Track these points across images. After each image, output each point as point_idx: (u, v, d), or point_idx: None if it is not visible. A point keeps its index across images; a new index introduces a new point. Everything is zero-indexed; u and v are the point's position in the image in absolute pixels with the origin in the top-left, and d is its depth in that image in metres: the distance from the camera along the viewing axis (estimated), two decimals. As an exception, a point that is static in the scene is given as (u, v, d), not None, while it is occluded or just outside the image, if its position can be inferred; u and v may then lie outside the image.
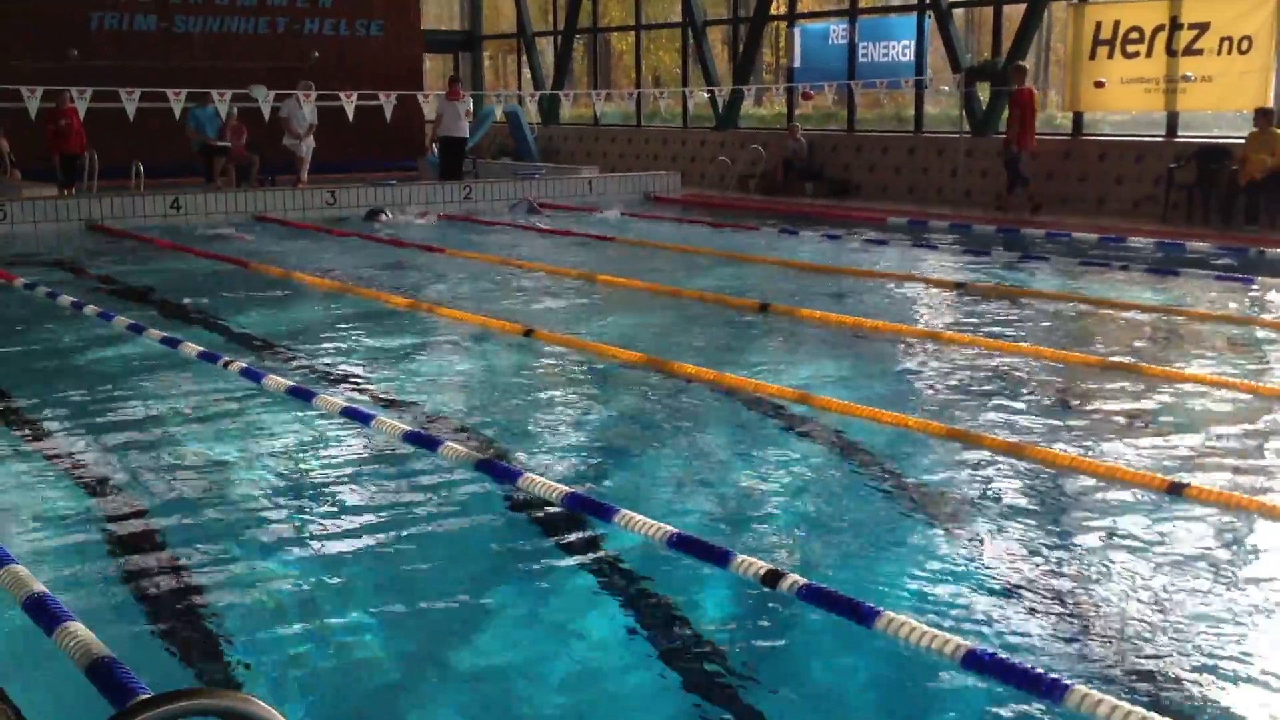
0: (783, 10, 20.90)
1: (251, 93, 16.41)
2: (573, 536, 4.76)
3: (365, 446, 5.87)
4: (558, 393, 7.07)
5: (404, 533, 4.81)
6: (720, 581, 4.23)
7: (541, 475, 5.15)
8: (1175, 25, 15.42)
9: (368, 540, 4.73)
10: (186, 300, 10.05)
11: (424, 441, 5.68)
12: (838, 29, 19.85)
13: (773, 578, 4.02)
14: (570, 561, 4.56)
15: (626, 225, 15.08)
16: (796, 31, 20.66)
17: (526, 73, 25.98)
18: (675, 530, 4.42)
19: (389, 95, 16.48)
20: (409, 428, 5.90)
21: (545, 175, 19.21)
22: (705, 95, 20.92)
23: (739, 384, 6.94)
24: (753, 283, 11.01)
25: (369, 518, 4.97)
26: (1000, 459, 5.60)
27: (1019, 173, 15.75)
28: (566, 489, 4.90)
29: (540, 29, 25.75)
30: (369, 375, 7.42)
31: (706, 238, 14.07)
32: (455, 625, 4.04)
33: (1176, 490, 5.00)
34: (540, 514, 4.94)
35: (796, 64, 20.55)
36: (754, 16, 20.95)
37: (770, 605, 4.08)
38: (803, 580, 3.97)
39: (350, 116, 16.70)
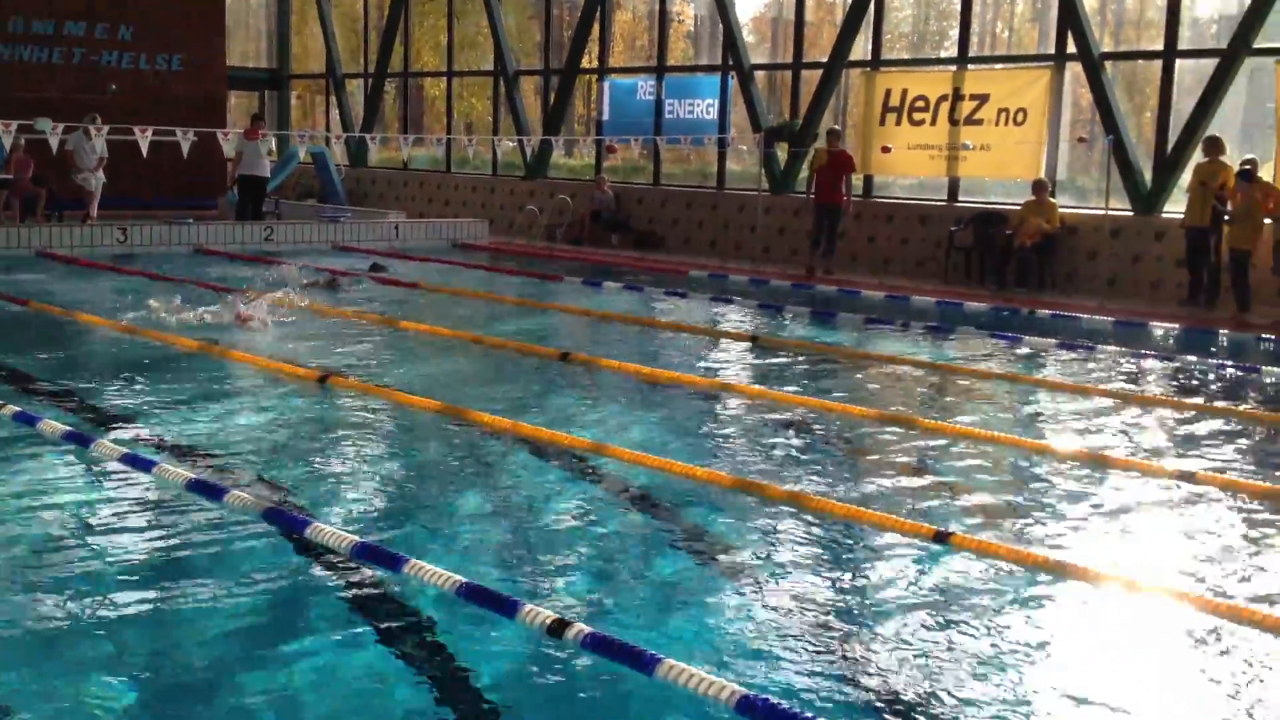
0: (594, 64, 21.28)
1: (37, 125, 15.77)
2: (361, 586, 4.75)
3: (146, 495, 5.72)
4: (352, 441, 7.02)
5: (186, 584, 4.71)
6: (508, 631, 4.29)
7: (331, 524, 5.13)
8: (958, 96, 16.36)
9: (147, 592, 4.62)
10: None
11: (209, 490, 5.57)
12: (645, 85, 20.33)
13: (559, 627, 4.10)
14: (357, 612, 4.55)
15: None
16: (606, 85, 21.06)
17: (335, 114, 25.69)
18: (463, 580, 4.45)
19: (186, 132, 16.06)
20: (192, 475, 5.77)
21: (351, 219, 19.00)
22: (515, 144, 21.09)
23: (535, 433, 7.03)
24: (555, 332, 11.16)
25: (149, 569, 4.85)
26: (782, 508, 5.83)
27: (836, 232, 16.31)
28: (355, 538, 4.89)
29: (350, 71, 25.54)
30: (154, 421, 7.21)
31: (511, 286, 14.17)
32: (237, 678, 3.99)
33: (942, 539, 5.31)
34: (329, 564, 4.92)
35: (605, 117, 20.95)
36: (565, 69, 21.27)
37: (557, 654, 4.15)
38: (587, 629, 4.05)
39: (144, 152, 16.19)
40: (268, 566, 4.94)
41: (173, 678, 4.00)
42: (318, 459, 6.60)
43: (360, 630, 4.39)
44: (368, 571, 4.82)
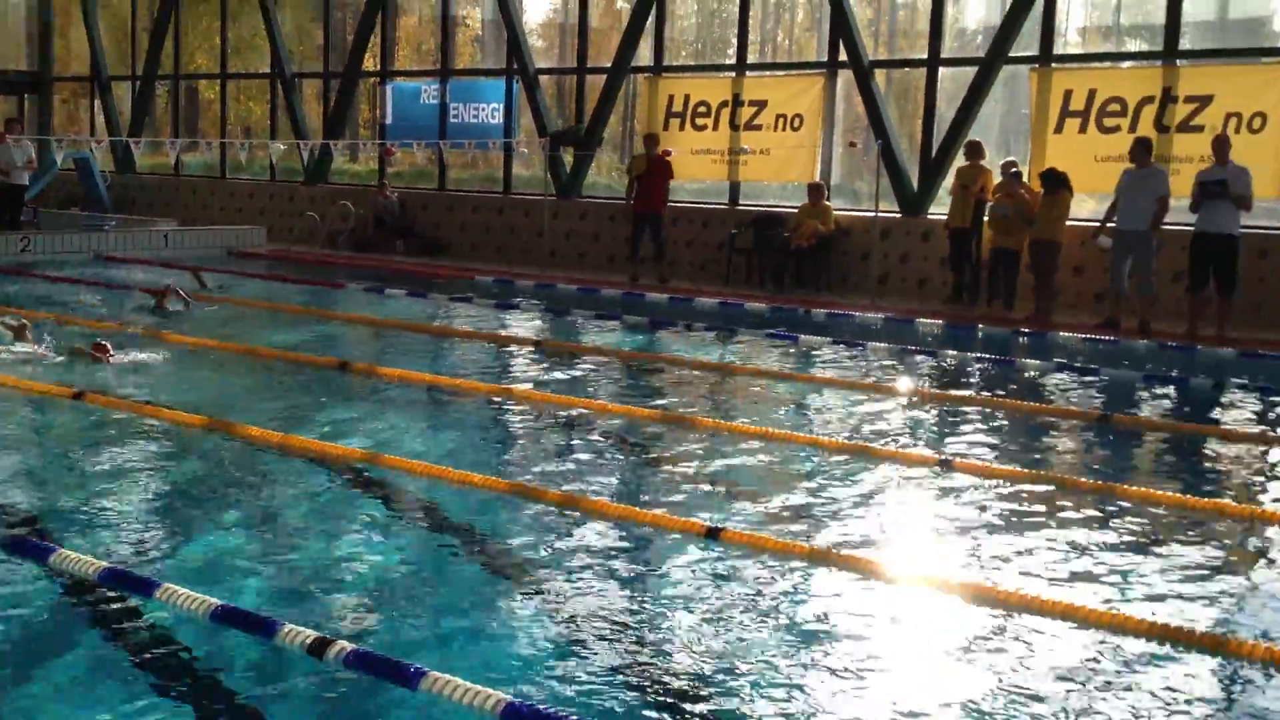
0: (377, 67, 20.91)
1: None
2: (112, 615, 4.52)
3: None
4: (109, 461, 6.68)
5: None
6: (270, 653, 4.16)
7: (84, 551, 4.87)
8: (738, 102, 16.72)
9: None
10: None
11: (-55, 519, 5.22)
12: (430, 89, 20.10)
13: (320, 646, 4.00)
14: (108, 640, 4.33)
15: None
16: (389, 89, 20.73)
17: (102, 118, 24.52)
18: (219, 603, 4.30)
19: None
20: (-72, 505, 5.40)
21: (116, 227, 18.14)
22: (296, 149, 20.53)
23: (308, 445, 6.84)
24: (335, 341, 10.91)
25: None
26: (559, 512, 5.82)
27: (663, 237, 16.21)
28: (103, 564, 4.65)
29: (118, 73, 24.42)
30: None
31: (291, 294, 13.79)
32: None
33: (713, 535, 5.40)
34: (77, 591, 4.66)
35: (388, 121, 20.62)
36: (345, 71, 20.83)
37: (322, 673, 4.05)
38: (350, 646, 3.97)
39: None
40: (11, 597, 4.65)
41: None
42: (69, 481, 6.26)
43: (113, 659, 4.18)
44: (120, 598, 4.59)
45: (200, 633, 4.34)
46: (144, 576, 4.57)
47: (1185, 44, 13.75)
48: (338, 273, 15.96)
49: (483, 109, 19.58)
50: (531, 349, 10.66)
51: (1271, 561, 5.49)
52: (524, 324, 12.32)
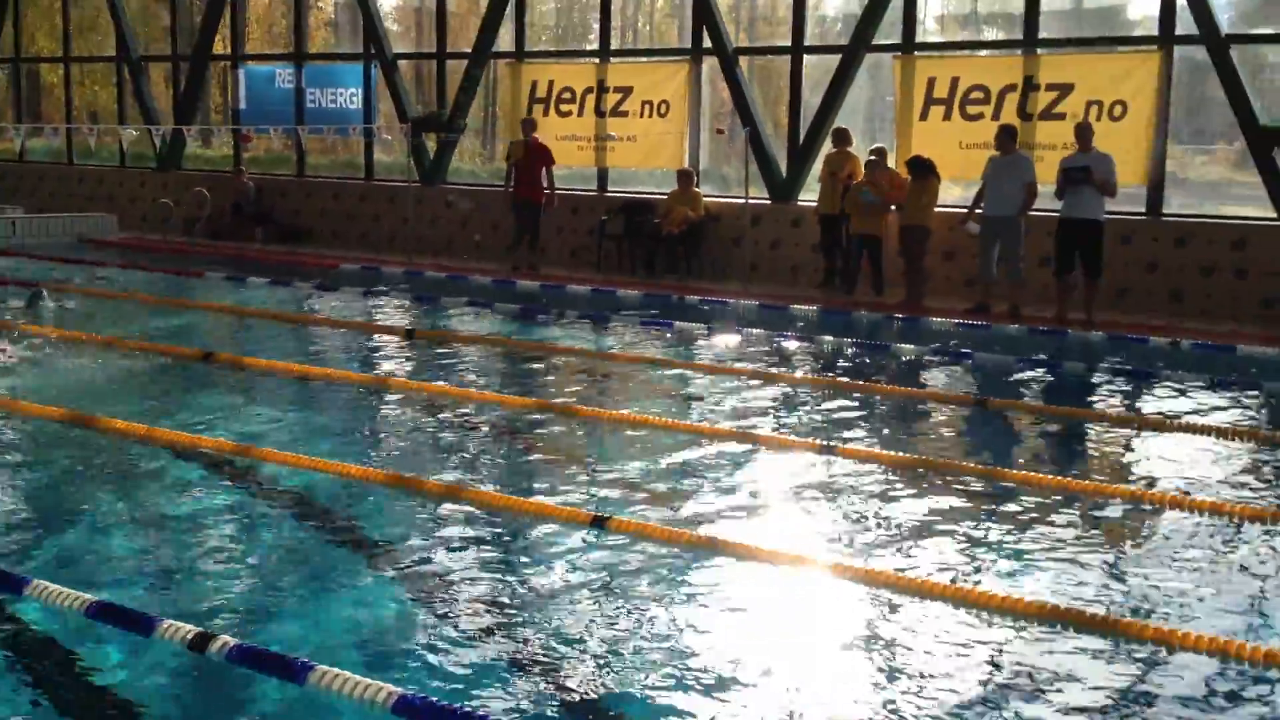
0: (228, 50, 20.25)
1: None
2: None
3: None
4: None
5: None
6: (149, 649, 3.96)
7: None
8: (603, 88, 16.63)
9: None
10: None
11: None
12: (284, 73, 19.54)
13: (201, 641, 3.83)
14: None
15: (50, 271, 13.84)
16: (241, 73, 20.11)
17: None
18: (93, 599, 4.09)
19: None
20: None
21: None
22: (146, 134, 19.78)
23: (175, 438, 6.57)
24: (197, 331, 10.53)
25: None
26: (440, 502, 5.69)
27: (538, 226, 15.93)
28: (-37, 564, 4.39)
29: (-47, 55, 23.22)
30: None
31: (146, 284, 13.26)
32: None
33: (600, 523, 5.32)
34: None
35: (243, 105, 20.00)
36: (195, 54, 20.13)
37: (204, 669, 3.87)
38: (233, 641, 3.82)
39: None
40: None
41: None
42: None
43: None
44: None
45: (76, 630, 4.14)
46: (13, 573, 4.33)
47: (1043, 33, 14.08)
48: (196, 261, 15.42)
49: (341, 94, 19.12)
50: (402, 338, 10.43)
51: (1147, 539, 5.63)
52: (394, 312, 12.06)
